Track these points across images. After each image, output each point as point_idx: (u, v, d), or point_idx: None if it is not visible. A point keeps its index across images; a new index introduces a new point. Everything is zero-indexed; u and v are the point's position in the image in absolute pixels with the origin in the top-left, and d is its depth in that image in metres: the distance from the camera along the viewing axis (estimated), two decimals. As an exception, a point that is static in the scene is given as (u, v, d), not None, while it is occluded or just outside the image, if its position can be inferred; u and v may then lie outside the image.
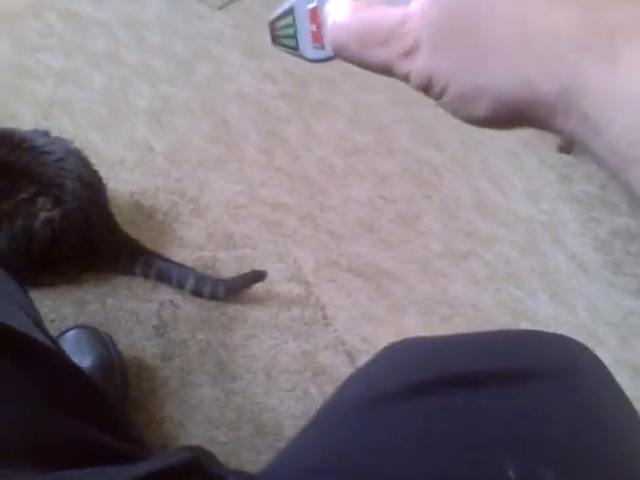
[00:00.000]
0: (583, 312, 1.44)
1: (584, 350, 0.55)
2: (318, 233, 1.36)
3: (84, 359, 0.90)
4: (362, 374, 0.66)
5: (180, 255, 1.17)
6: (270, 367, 1.06)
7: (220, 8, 1.93)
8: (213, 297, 1.11)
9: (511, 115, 0.27)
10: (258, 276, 1.13)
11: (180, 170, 1.36)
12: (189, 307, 1.09)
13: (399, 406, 0.52)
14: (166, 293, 1.10)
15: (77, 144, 1.17)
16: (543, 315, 1.41)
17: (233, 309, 1.13)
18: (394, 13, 0.29)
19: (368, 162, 1.61)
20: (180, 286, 1.10)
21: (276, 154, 1.51)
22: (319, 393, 1.06)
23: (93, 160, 1.13)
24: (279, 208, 1.38)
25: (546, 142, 1.87)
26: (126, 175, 1.29)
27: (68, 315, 1.00)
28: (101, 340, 0.94)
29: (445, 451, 0.47)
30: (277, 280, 1.22)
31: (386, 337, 1.21)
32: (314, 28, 0.33)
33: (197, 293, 1.10)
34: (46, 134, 1.03)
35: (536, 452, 0.45)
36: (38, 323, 0.59)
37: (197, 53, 1.71)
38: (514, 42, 0.26)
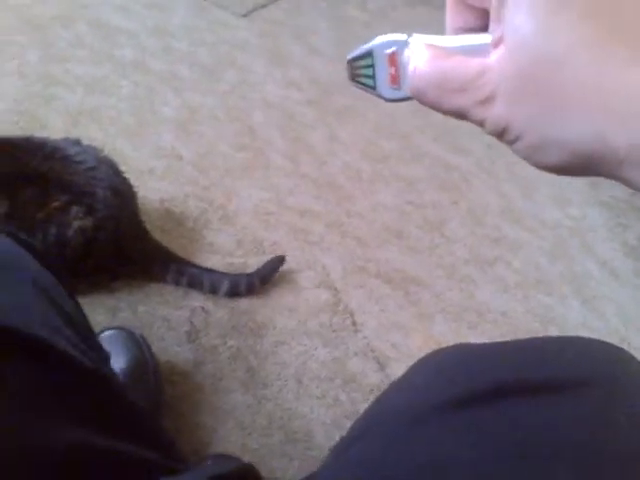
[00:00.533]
0: (614, 318, 1.42)
1: (630, 357, 0.54)
2: (345, 239, 1.36)
3: (118, 359, 0.90)
4: (403, 385, 0.64)
5: (210, 261, 1.18)
6: (300, 374, 1.06)
7: (245, 16, 1.95)
8: (250, 291, 1.14)
9: (581, 165, 0.29)
10: (281, 260, 1.20)
11: (208, 178, 1.36)
12: (219, 314, 1.09)
13: (448, 418, 0.51)
14: (197, 300, 1.10)
15: (106, 152, 1.18)
16: (573, 322, 1.40)
17: (262, 315, 1.13)
18: (472, 64, 0.30)
19: (394, 168, 1.60)
20: (213, 291, 1.10)
21: (302, 160, 1.52)
22: (349, 400, 1.05)
23: (122, 168, 1.14)
24: (306, 214, 1.38)
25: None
26: (155, 183, 1.30)
27: (100, 322, 1.01)
28: (136, 342, 0.94)
29: (499, 462, 0.46)
30: (306, 286, 1.22)
31: (415, 344, 1.20)
32: (392, 71, 0.35)
33: (233, 293, 1.12)
34: (77, 143, 1.04)
35: (593, 460, 0.44)
36: (82, 330, 0.59)
37: (222, 61, 1.73)
38: (589, 99, 0.26)
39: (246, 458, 0.88)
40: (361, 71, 0.36)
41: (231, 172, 1.40)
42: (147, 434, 0.57)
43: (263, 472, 0.90)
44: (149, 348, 0.96)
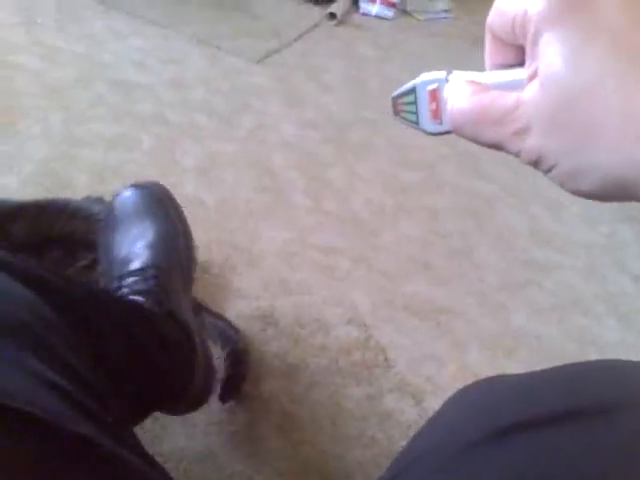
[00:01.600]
0: (654, 335, 1.38)
1: None
2: (372, 274, 1.35)
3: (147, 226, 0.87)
4: (436, 423, 0.63)
5: (238, 306, 1.18)
6: (335, 414, 1.04)
7: (258, 62, 1.99)
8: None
9: (615, 190, 0.30)
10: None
11: (231, 222, 1.38)
12: (250, 358, 1.09)
13: (487, 453, 0.49)
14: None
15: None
16: (610, 341, 1.36)
17: (293, 357, 1.12)
18: (508, 98, 0.33)
19: (417, 198, 1.60)
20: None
21: (323, 198, 1.52)
22: (386, 438, 1.03)
23: (147, 220, 1.15)
24: (331, 251, 1.38)
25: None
26: (179, 232, 1.31)
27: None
28: (161, 202, 0.91)
29: None
30: (335, 324, 1.21)
31: (450, 375, 1.18)
32: (433, 107, 0.37)
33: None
34: (101, 201, 1.06)
35: None
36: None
37: (239, 107, 1.76)
38: (620, 126, 0.28)
39: (285, 505, 0.87)
40: (404, 107, 0.39)
41: (253, 215, 1.42)
42: None
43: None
44: (176, 206, 0.92)
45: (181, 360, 0.81)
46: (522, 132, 0.32)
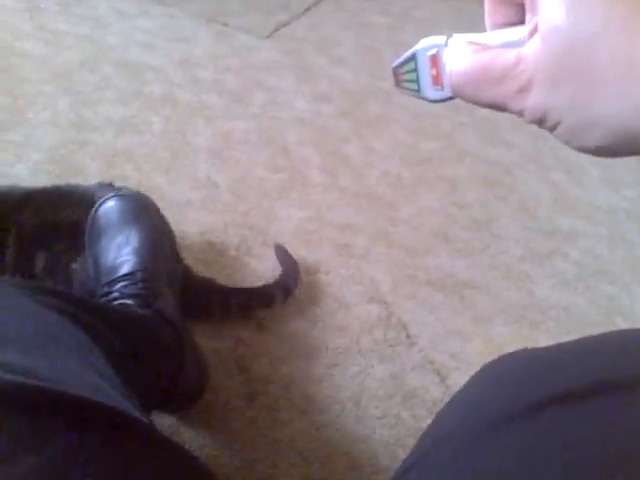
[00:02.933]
0: (685, 301, 1.34)
1: None
2: (392, 249, 1.32)
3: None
4: (461, 401, 0.60)
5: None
6: (358, 395, 1.02)
7: (267, 37, 1.94)
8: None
9: (622, 143, 0.29)
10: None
11: (246, 203, 1.35)
12: (268, 341, 1.07)
13: (519, 426, 0.47)
14: (243, 329, 1.08)
15: (142, 190, 1.18)
16: (639, 310, 1.32)
17: (313, 338, 1.10)
18: (508, 55, 0.31)
19: (435, 169, 1.56)
20: (269, 304, 1.12)
21: (340, 174, 1.49)
22: (412, 417, 1.01)
23: (160, 204, 1.13)
24: (349, 229, 1.35)
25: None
26: (194, 214, 1.29)
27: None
28: (144, 207, 0.97)
29: (581, 469, 0.43)
30: (355, 303, 1.18)
31: (475, 350, 1.15)
32: (434, 72, 0.36)
33: (287, 294, 1.14)
34: (110, 186, 1.04)
35: None
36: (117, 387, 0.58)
37: (250, 84, 1.72)
38: (624, 73, 0.27)
39: (311, 489, 0.85)
40: (405, 76, 0.38)
41: (269, 194, 1.39)
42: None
43: (330, 502, 0.87)
44: (156, 210, 1.00)
45: (172, 359, 0.84)
46: (524, 89, 0.31)
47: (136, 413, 0.49)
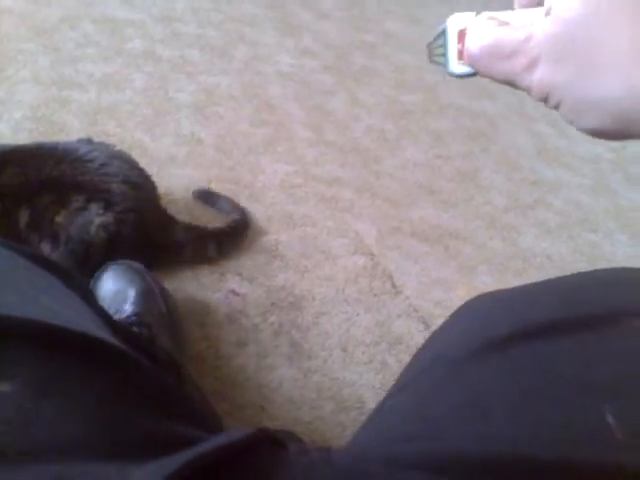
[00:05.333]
0: (666, 248, 1.36)
1: None
2: (377, 202, 1.33)
3: (125, 292, 0.92)
4: (438, 336, 0.63)
5: (243, 241, 1.17)
6: (345, 342, 1.04)
7: (249, -10, 1.91)
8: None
9: (621, 125, 0.30)
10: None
11: (231, 158, 1.35)
12: (257, 292, 1.08)
13: (485, 361, 0.50)
14: (233, 281, 1.09)
15: (125, 146, 1.18)
16: (622, 257, 1.35)
17: (300, 289, 1.11)
18: (520, 32, 0.33)
19: (420, 122, 1.56)
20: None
21: (324, 128, 1.49)
22: (397, 363, 1.03)
23: (144, 160, 1.13)
24: (334, 182, 1.35)
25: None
26: (179, 170, 1.29)
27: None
28: (137, 271, 0.95)
29: (538, 402, 0.45)
30: (341, 255, 1.20)
31: (460, 298, 1.17)
32: (460, 47, 0.37)
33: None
34: (89, 142, 1.03)
35: (636, 395, 0.42)
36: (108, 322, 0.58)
37: (232, 39, 1.70)
38: (625, 56, 0.28)
39: (299, 432, 0.88)
40: (436, 50, 0.39)
41: (254, 149, 1.39)
42: (198, 416, 0.57)
43: (318, 444, 0.89)
44: (151, 275, 0.97)
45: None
46: (532, 65, 0.32)
47: (112, 340, 0.50)
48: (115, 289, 0.92)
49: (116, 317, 0.87)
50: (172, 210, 1.14)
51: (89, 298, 0.58)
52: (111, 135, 1.30)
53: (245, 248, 1.16)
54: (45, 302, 0.49)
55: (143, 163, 1.11)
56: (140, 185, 1.03)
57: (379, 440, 0.52)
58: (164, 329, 0.90)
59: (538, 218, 1.40)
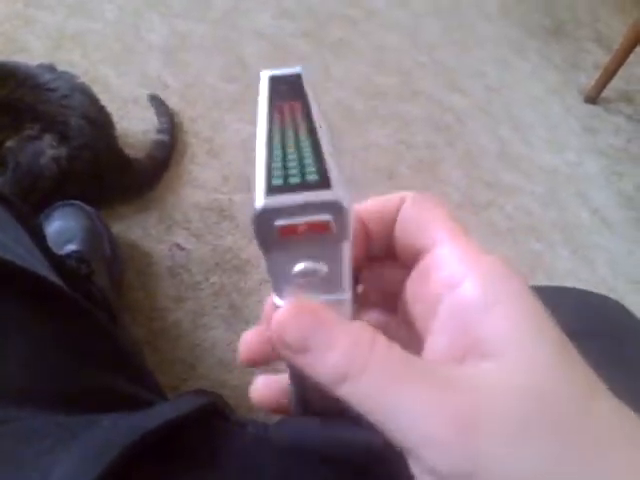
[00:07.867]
0: (603, 268, 1.40)
1: (624, 307, 0.52)
2: (335, 178, 1.32)
3: (72, 232, 0.91)
4: None
5: (195, 197, 1.14)
6: (284, 313, 1.04)
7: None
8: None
9: None
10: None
11: (195, 109, 1.31)
12: (203, 250, 1.07)
13: None
14: (180, 235, 1.07)
15: (88, 79, 1.13)
16: (561, 270, 1.38)
17: (247, 253, 1.10)
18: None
19: (389, 105, 1.55)
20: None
21: (294, 95, 1.46)
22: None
23: (105, 96, 1.09)
24: (296, 151, 1.33)
25: (571, 90, 1.81)
26: (140, 113, 1.25)
27: (79, 254, 0.98)
28: (87, 213, 0.94)
29: None
30: (292, 225, 1.19)
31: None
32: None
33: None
34: (52, 69, 0.99)
35: None
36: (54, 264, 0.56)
37: (214, -13, 1.65)
38: None
39: (226, 395, 0.87)
40: None
41: (219, 104, 1.35)
42: (134, 370, 0.55)
43: (242, 409, 0.89)
44: (101, 219, 0.96)
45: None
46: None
47: (55, 280, 0.48)
48: (62, 228, 0.89)
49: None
50: (129, 153, 1.11)
51: (36, 233, 0.55)
52: (74, 65, 1.24)
53: (195, 204, 1.14)
54: None
55: (104, 99, 1.07)
56: (99, 122, 0.99)
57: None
58: (104, 272, 0.88)
59: (489, 219, 1.42)
